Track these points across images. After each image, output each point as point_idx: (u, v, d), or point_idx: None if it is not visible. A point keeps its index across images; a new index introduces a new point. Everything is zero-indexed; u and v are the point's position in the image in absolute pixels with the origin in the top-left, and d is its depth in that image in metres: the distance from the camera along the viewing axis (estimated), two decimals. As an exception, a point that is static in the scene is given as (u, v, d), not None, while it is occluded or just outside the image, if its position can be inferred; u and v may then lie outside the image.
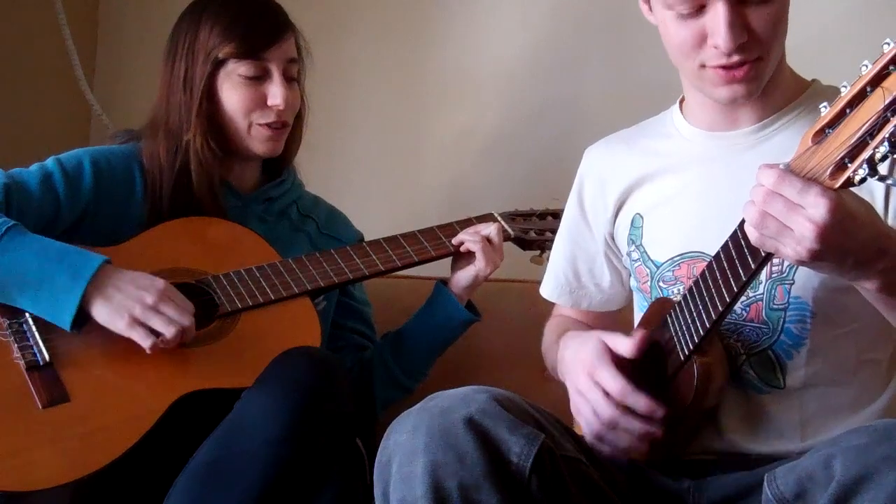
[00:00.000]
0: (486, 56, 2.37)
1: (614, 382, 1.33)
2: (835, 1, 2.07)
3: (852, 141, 1.06)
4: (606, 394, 1.34)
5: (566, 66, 2.30)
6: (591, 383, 1.36)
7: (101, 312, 1.56)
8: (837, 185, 1.08)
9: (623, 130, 1.63)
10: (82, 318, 1.56)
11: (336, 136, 2.42)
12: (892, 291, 1.20)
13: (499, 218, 1.94)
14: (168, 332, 1.56)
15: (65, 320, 1.55)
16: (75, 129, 2.59)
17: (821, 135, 1.12)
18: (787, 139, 1.40)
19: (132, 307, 1.56)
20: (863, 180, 1.06)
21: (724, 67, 1.34)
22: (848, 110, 1.08)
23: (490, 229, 1.85)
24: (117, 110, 2.51)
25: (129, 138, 1.85)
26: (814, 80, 1.47)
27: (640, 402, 1.32)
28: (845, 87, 1.09)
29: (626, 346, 1.35)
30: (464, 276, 1.84)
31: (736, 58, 1.32)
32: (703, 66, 1.36)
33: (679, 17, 1.34)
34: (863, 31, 2.04)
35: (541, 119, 2.32)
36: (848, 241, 1.12)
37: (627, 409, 1.33)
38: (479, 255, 1.82)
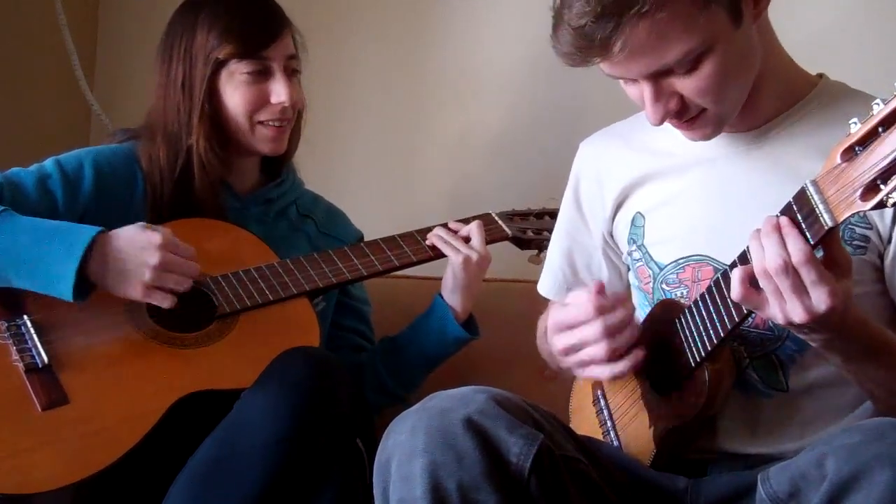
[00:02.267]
0: (486, 56, 2.36)
1: (585, 304, 1.35)
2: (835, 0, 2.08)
3: (885, 162, 1.04)
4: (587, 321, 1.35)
5: (568, 68, 2.29)
6: (568, 331, 1.37)
7: (114, 286, 1.57)
8: (869, 206, 1.06)
9: (618, 123, 1.61)
10: (85, 289, 1.56)
11: (336, 136, 2.42)
12: (829, 350, 1.26)
13: (496, 218, 1.94)
14: (182, 287, 1.60)
15: (65, 291, 1.54)
16: (75, 129, 2.59)
17: (850, 152, 1.09)
18: (794, 139, 1.38)
19: (142, 273, 1.57)
20: None
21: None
22: (881, 129, 1.05)
23: (467, 228, 1.85)
24: (117, 110, 2.51)
25: (129, 137, 1.84)
26: (821, 75, 1.44)
27: (609, 298, 1.34)
28: (878, 104, 1.06)
29: (585, 293, 1.36)
30: (445, 279, 1.84)
31: (674, 120, 1.33)
32: None
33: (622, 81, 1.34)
34: (863, 30, 2.04)
35: (541, 119, 2.32)
36: (823, 331, 1.19)
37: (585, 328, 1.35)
38: (446, 251, 1.82)
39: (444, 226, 1.88)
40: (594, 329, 1.34)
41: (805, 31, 1.96)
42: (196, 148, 1.75)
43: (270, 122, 1.79)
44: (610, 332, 1.33)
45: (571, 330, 1.36)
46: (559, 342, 1.38)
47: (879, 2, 2.04)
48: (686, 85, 1.28)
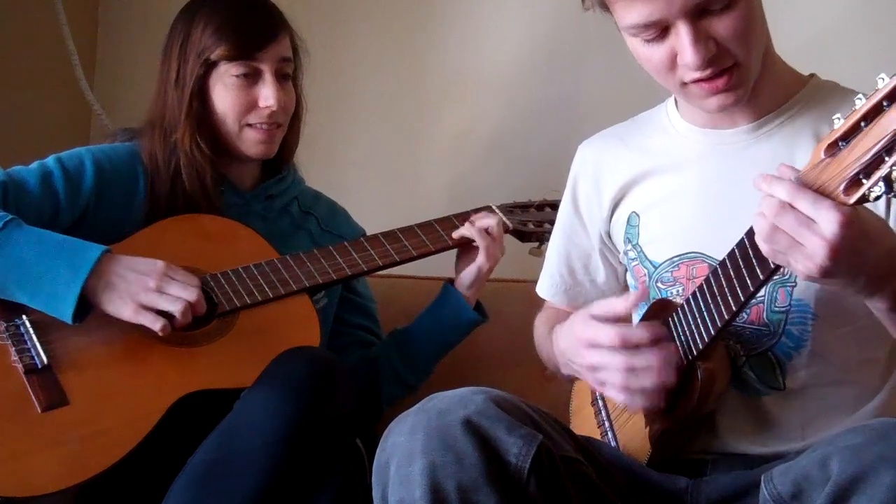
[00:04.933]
0: (486, 54, 2.37)
1: (607, 331, 1.31)
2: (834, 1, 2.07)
3: (867, 157, 1.04)
4: (611, 349, 1.31)
5: (566, 64, 2.30)
6: (592, 349, 1.33)
7: (107, 302, 1.56)
8: (852, 201, 1.06)
9: (616, 126, 1.61)
10: (84, 310, 1.56)
11: (336, 134, 2.42)
12: (875, 293, 1.19)
13: (497, 210, 1.94)
14: (175, 309, 1.56)
15: (66, 313, 1.54)
16: (75, 129, 2.59)
17: (834, 147, 1.09)
18: (786, 136, 1.39)
19: (136, 293, 1.56)
20: (878, 197, 1.04)
21: (704, 80, 1.32)
22: (863, 124, 1.05)
23: (490, 221, 1.86)
24: (117, 110, 2.51)
25: (130, 136, 1.84)
26: (812, 75, 1.46)
27: (639, 333, 1.30)
28: (860, 99, 1.06)
29: (619, 303, 1.33)
30: (467, 274, 1.85)
31: (709, 70, 1.31)
32: (683, 83, 1.34)
33: (646, 42, 1.32)
34: (862, 30, 2.04)
35: (540, 117, 2.32)
36: (859, 259, 1.11)
37: (636, 349, 1.30)
38: (481, 249, 1.83)
39: (457, 218, 1.89)
40: (615, 360, 1.31)
41: (801, 32, 1.96)
42: (181, 144, 1.76)
43: (258, 125, 1.78)
44: (631, 370, 1.30)
45: (593, 349, 1.33)
46: (587, 359, 1.35)
47: (876, 3, 2.04)
48: (722, 25, 1.28)
